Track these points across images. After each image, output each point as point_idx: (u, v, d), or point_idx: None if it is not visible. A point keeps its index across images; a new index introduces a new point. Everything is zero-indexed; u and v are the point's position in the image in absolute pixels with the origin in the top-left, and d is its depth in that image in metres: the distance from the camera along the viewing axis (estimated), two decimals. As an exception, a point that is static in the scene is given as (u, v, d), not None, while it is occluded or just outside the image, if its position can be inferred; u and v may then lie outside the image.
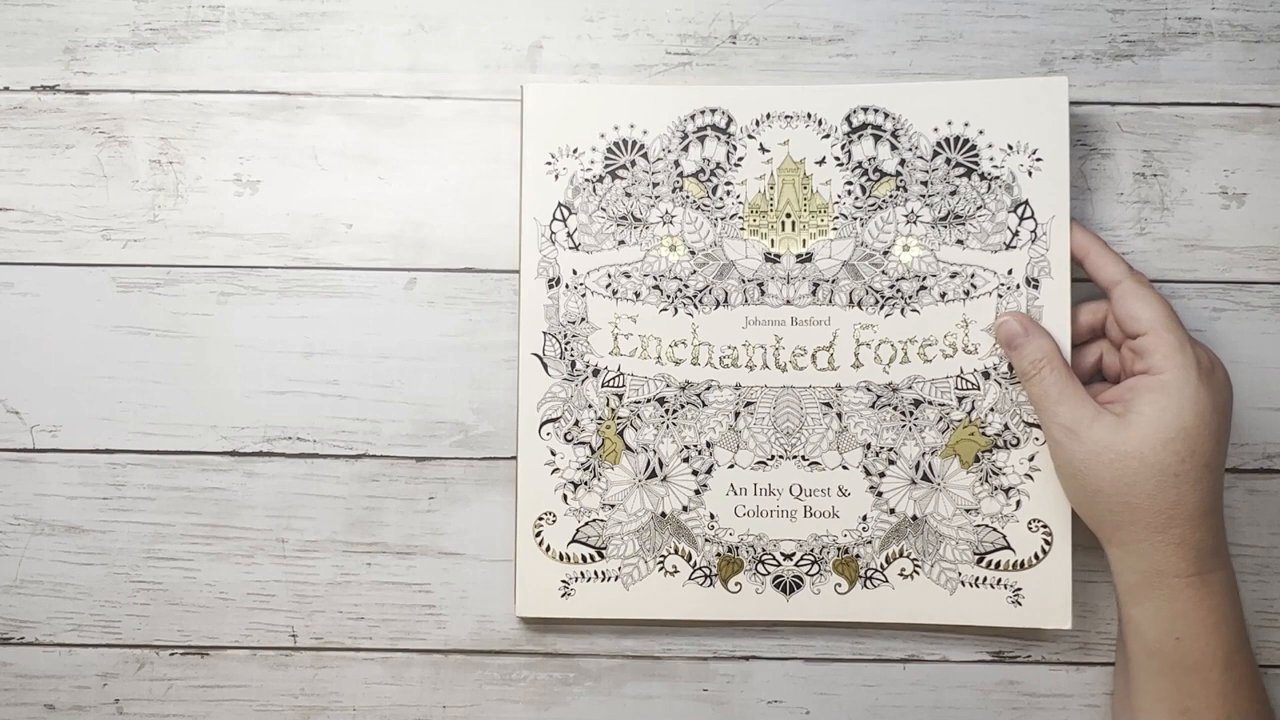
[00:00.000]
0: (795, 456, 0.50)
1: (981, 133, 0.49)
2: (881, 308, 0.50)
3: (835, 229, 0.50)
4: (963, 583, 0.50)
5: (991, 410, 0.49)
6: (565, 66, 0.52)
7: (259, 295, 0.52)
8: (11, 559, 0.52)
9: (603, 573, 0.50)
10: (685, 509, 0.50)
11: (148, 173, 0.52)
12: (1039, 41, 0.51)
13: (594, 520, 0.50)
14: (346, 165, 0.52)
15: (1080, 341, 0.49)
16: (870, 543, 0.50)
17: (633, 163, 0.50)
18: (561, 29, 0.52)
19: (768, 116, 0.50)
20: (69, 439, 0.52)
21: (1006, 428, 0.49)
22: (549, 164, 0.51)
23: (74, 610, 0.52)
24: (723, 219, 0.50)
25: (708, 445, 0.50)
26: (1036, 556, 0.49)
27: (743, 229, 0.50)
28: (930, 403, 0.50)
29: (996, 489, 0.50)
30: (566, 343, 0.51)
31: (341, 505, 0.52)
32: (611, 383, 0.50)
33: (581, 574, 0.50)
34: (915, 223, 0.50)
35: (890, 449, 0.50)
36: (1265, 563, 0.52)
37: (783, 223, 0.50)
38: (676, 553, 0.50)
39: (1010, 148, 0.49)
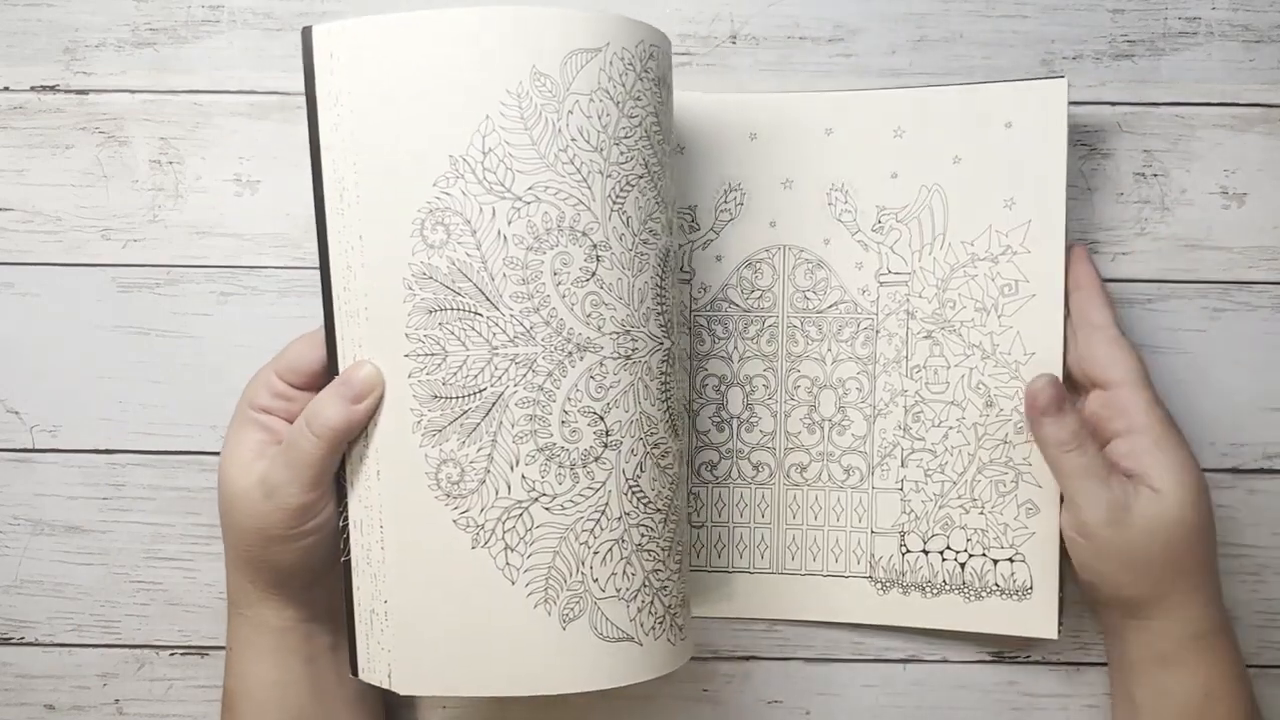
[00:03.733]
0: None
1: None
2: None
3: None
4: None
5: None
6: (565, 66, 0.52)
7: (259, 295, 0.52)
8: (11, 559, 0.52)
9: None
10: None
11: (148, 173, 0.52)
12: (1039, 41, 0.51)
13: None
14: (346, 165, 0.52)
15: None
16: None
17: None
18: (561, 29, 0.52)
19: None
20: (69, 439, 0.52)
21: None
22: None
23: (74, 610, 0.52)
24: None
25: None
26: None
27: None
28: None
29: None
30: None
31: (341, 505, 0.52)
32: None
33: None
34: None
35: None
36: (1265, 563, 0.52)
37: None
38: None
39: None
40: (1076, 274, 0.48)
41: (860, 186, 0.49)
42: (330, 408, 0.41)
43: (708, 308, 0.50)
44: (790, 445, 0.50)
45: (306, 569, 0.44)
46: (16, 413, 0.52)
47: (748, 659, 0.52)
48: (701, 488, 0.50)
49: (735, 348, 0.50)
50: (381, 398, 0.41)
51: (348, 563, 0.42)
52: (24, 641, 0.52)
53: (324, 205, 0.42)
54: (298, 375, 0.44)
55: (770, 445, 0.50)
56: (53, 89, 0.52)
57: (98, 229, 0.52)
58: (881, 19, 0.52)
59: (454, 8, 0.39)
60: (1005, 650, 0.52)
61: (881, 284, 0.49)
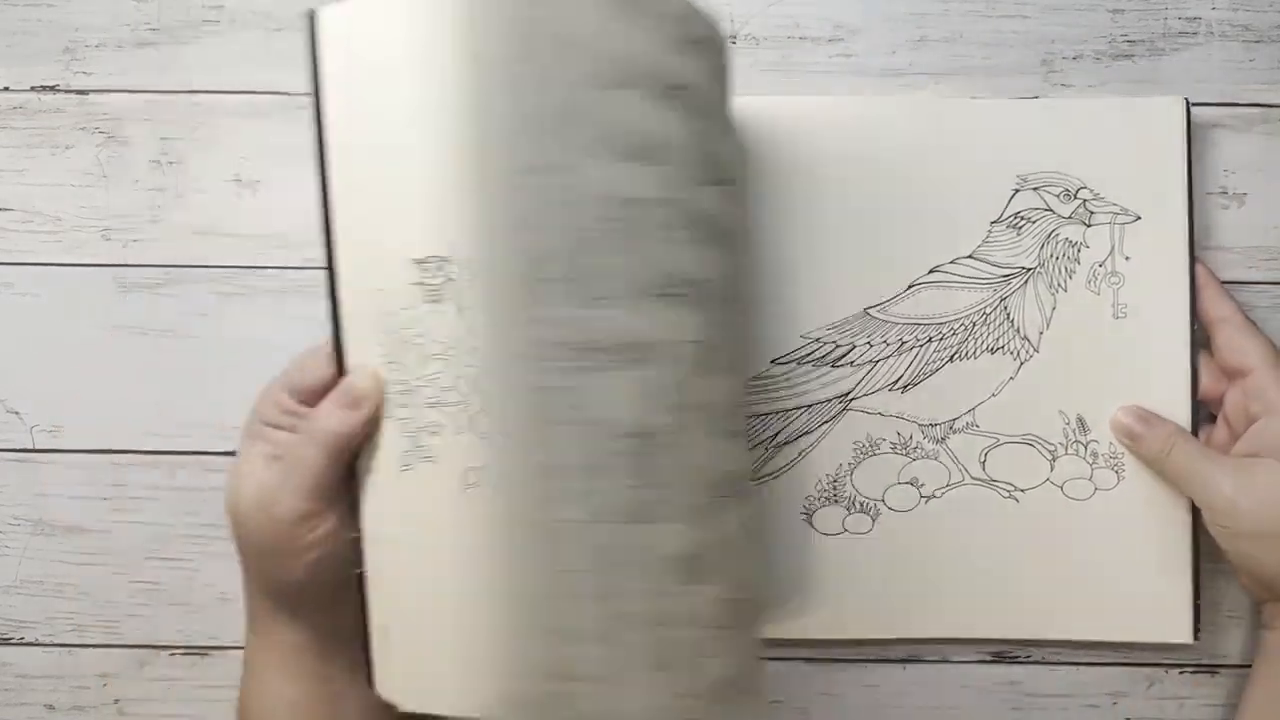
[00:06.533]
0: None
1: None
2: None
3: None
4: None
5: None
6: (565, 66, 0.52)
7: (259, 295, 0.52)
8: (11, 559, 0.52)
9: None
10: None
11: (148, 173, 0.52)
12: (1039, 41, 0.51)
13: None
14: (346, 165, 0.52)
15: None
16: None
17: None
18: (561, 29, 0.52)
19: None
20: (69, 439, 0.52)
21: None
22: None
23: (74, 610, 0.52)
24: None
25: None
26: None
27: None
28: None
29: None
30: None
31: (341, 505, 0.52)
32: None
33: None
34: None
35: None
36: (1265, 563, 0.52)
37: None
38: None
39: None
40: (1199, 276, 0.49)
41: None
42: (328, 415, 0.40)
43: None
44: None
45: (317, 586, 0.42)
46: (16, 413, 0.52)
47: (748, 659, 0.52)
48: None
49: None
50: (382, 405, 0.40)
51: (361, 575, 0.41)
52: (24, 641, 0.52)
53: (329, 203, 0.40)
54: (303, 392, 0.43)
55: None
56: (53, 89, 0.52)
57: (98, 229, 0.52)
58: (882, 19, 0.52)
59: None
60: (1005, 650, 0.52)
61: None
